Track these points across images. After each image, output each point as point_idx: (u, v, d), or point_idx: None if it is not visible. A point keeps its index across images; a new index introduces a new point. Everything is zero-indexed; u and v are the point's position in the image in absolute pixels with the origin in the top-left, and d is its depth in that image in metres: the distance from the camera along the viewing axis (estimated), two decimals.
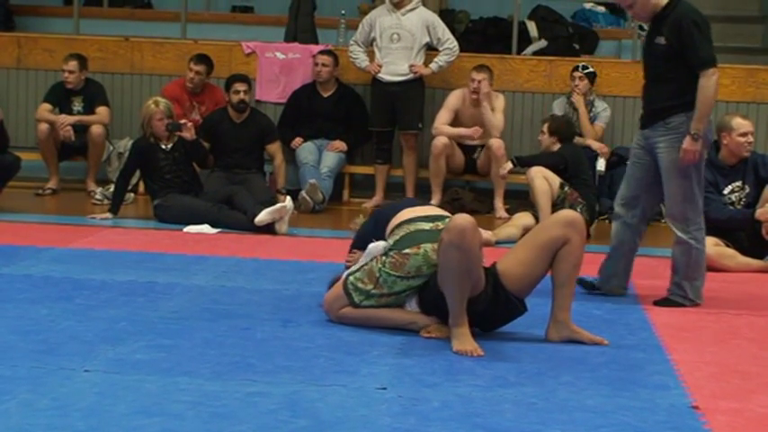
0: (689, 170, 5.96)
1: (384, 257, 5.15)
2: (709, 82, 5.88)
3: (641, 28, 11.01)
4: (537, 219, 8.12)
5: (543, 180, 8.23)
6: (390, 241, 5.19)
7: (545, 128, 8.71)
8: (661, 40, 5.99)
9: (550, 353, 4.90)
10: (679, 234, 6.05)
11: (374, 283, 5.14)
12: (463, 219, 4.86)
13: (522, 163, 8.56)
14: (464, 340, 4.86)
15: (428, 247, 5.07)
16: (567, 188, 8.24)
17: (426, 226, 5.19)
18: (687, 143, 5.87)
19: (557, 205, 8.15)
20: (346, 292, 5.22)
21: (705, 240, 6.16)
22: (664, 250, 7.90)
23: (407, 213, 5.30)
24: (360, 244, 5.42)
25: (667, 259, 6.27)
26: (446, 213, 5.36)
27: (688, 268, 6.07)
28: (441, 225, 5.14)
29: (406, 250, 5.09)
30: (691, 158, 5.90)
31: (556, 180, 8.26)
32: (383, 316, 5.20)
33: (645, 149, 6.11)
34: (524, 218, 8.32)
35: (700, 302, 6.09)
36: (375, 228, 5.38)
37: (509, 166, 8.68)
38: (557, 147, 8.59)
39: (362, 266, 5.22)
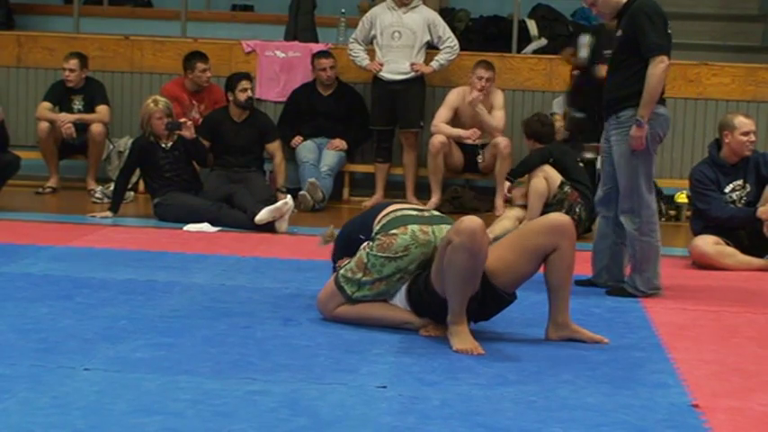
0: (636, 163, 6.08)
1: (371, 243, 5.16)
2: (656, 70, 5.99)
3: None
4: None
5: (542, 180, 8.20)
6: (377, 228, 5.21)
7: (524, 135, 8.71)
8: (619, 33, 6.16)
9: (550, 351, 4.90)
10: (626, 226, 6.16)
11: (363, 269, 5.13)
12: (473, 221, 4.82)
13: (516, 175, 8.51)
14: (464, 339, 4.86)
15: (415, 227, 5.09)
16: (567, 188, 8.21)
17: (412, 212, 5.25)
18: (633, 130, 6.02)
19: (554, 204, 8.13)
20: (338, 287, 5.22)
21: (655, 234, 6.18)
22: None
23: (393, 206, 5.35)
24: (344, 252, 5.42)
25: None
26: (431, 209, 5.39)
27: (635, 260, 6.18)
28: (426, 214, 5.23)
29: (393, 231, 5.10)
30: (637, 145, 6.04)
31: (557, 179, 8.22)
32: (379, 315, 5.19)
33: (607, 143, 6.26)
34: (516, 210, 8.30)
35: (652, 294, 6.17)
36: (361, 229, 5.35)
37: (507, 185, 8.56)
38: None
39: (352, 259, 5.24)
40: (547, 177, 8.22)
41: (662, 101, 6.19)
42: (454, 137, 9.48)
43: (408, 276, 5.13)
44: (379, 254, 5.09)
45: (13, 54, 10.50)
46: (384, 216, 5.26)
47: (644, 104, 6.01)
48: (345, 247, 5.42)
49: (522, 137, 9.87)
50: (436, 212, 5.46)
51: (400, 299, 5.18)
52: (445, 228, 5.08)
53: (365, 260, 5.13)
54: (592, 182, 8.62)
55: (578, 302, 5.75)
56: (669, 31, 6.17)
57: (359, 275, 5.15)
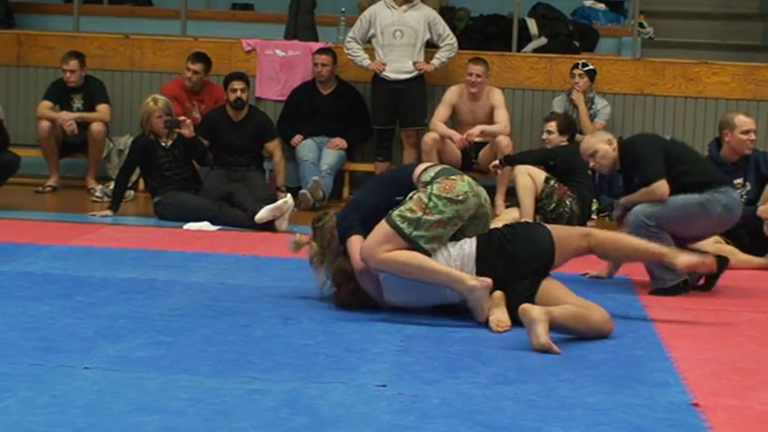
0: (695, 204, 6.22)
1: (429, 186, 5.29)
2: (653, 187, 6.18)
3: (641, 26, 11.03)
4: None
5: (526, 176, 8.25)
6: (431, 173, 5.38)
7: (553, 126, 8.67)
8: (637, 180, 6.32)
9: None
10: (635, 215, 6.21)
11: (423, 209, 5.22)
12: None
13: (509, 161, 8.54)
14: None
15: (469, 178, 5.39)
16: (553, 182, 8.24)
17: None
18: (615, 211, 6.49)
19: (543, 199, 8.17)
20: (393, 227, 5.22)
21: (663, 231, 6.21)
22: None
23: (427, 163, 5.67)
24: (366, 225, 5.41)
25: None
26: None
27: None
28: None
29: (452, 176, 5.32)
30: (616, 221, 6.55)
31: (540, 175, 8.27)
32: (430, 267, 5.20)
33: None
34: (513, 212, 8.32)
35: (673, 278, 6.19)
36: (398, 191, 5.43)
37: (497, 162, 8.58)
38: (564, 144, 8.62)
39: (405, 202, 5.32)
40: (530, 174, 8.26)
41: (727, 182, 6.44)
42: (447, 137, 9.47)
43: (460, 225, 5.29)
44: (441, 194, 5.24)
45: (14, 53, 10.50)
46: (428, 168, 5.46)
47: (629, 198, 6.30)
48: (370, 218, 5.40)
49: (523, 136, 9.94)
50: None
51: (449, 251, 5.29)
52: (483, 189, 5.44)
53: (426, 200, 5.24)
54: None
55: None
56: (667, 137, 6.54)
57: (419, 214, 5.23)
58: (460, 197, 5.25)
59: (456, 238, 5.37)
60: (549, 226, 5.54)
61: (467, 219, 5.32)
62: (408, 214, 5.22)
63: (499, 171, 8.78)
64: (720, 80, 9.84)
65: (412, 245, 5.21)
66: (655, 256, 5.65)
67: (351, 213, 5.54)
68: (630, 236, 5.75)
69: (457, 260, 5.27)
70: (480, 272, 5.24)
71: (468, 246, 5.29)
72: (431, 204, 5.21)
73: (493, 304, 5.18)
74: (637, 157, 6.27)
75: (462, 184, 5.29)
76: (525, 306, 4.88)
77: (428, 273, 5.20)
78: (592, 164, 6.48)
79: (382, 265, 5.24)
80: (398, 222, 5.22)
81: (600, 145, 6.37)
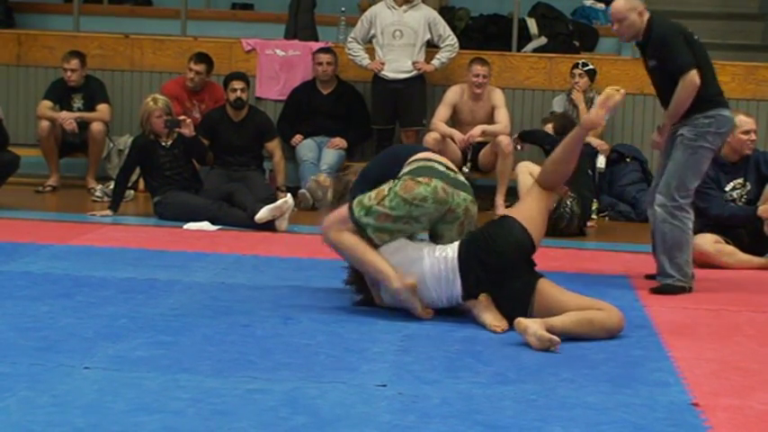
0: (690, 155, 6.20)
1: (397, 181, 5.36)
2: (684, 83, 6.18)
3: None
4: None
5: (527, 175, 8.27)
6: (406, 169, 5.43)
7: (549, 128, 8.75)
8: (653, 63, 6.33)
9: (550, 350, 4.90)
10: (657, 208, 6.22)
11: (379, 200, 5.31)
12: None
13: (526, 136, 8.92)
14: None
15: (439, 183, 5.32)
16: None
17: (440, 167, 5.48)
18: (654, 134, 6.49)
19: None
20: (349, 208, 5.34)
21: (688, 222, 6.25)
22: None
23: (426, 154, 5.62)
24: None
25: None
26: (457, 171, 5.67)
27: (665, 245, 6.25)
28: (452, 175, 5.48)
29: (420, 178, 5.33)
30: (654, 147, 6.58)
31: None
32: (368, 258, 5.29)
33: (671, 141, 6.35)
34: None
35: (682, 283, 6.23)
36: (394, 167, 5.51)
37: (516, 136, 8.99)
38: None
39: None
40: (531, 173, 8.28)
41: (725, 103, 6.40)
42: (448, 136, 9.47)
43: (414, 228, 5.35)
44: (399, 192, 5.29)
45: (13, 53, 10.50)
46: (416, 160, 5.49)
47: (669, 115, 6.26)
48: (374, 187, 5.48)
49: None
50: (461, 176, 5.61)
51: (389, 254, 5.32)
52: (462, 194, 5.37)
53: (385, 192, 5.33)
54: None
55: None
56: (693, 35, 6.42)
57: (373, 202, 5.32)
58: (416, 201, 5.28)
59: (435, 242, 5.42)
60: (512, 214, 5.42)
61: (425, 222, 5.37)
62: (365, 200, 5.35)
63: (519, 147, 9.03)
64: (720, 80, 9.75)
65: (359, 229, 5.33)
66: (579, 133, 5.76)
67: (360, 183, 5.65)
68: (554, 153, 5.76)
69: (442, 263, 5.27)
70: (464, 277, 5.23)
71: (451, 250, 5.29)
72: (388, 198, 5.31)
73: (482, 308, 5.15)
74: (663, 42, 6.24)
75: (425, 188, 5.29)
76: (519, 320, 4.90)
77: (365, 264, 5.34)
78: (615, 27, 6.45)
79: (332, 242, 5.41)
80: (354, 205, 5.36)
81: (631, 15, 6.30)
